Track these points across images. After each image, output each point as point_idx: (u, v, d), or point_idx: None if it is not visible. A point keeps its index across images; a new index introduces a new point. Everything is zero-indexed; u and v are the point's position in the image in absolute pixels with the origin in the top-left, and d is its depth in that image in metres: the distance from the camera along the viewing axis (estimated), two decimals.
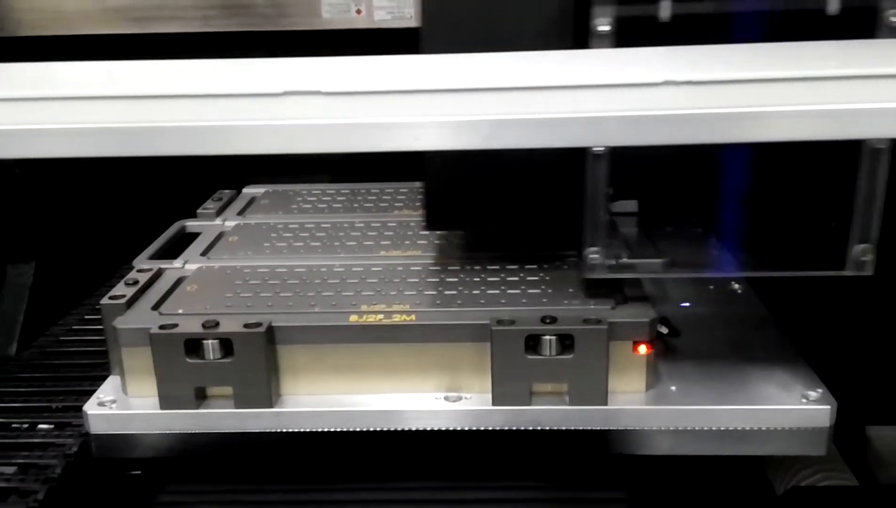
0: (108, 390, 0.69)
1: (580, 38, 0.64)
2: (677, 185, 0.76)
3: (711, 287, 0.86)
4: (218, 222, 0.92)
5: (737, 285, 0.85)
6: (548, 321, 0.64)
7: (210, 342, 0.64)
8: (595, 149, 0.63)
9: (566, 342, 0.64)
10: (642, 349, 0.65)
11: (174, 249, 0.86)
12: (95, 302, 0.95)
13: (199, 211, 0.95)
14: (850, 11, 0.62)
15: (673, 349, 0.72)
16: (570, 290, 0.71)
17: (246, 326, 0.65)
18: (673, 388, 0.67)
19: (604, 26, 0.62)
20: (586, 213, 0.65)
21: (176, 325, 0.65)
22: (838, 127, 0.51)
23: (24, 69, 0.59)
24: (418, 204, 0.94)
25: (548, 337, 0.63)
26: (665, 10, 0.63)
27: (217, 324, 0.65)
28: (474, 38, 0.65)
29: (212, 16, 1.04)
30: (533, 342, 0.64)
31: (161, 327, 0.65)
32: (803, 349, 0.71)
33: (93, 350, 0.87)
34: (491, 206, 0.73)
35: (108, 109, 0.52)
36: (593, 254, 0.66)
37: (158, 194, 1.11)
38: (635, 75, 0.52)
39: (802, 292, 0.89)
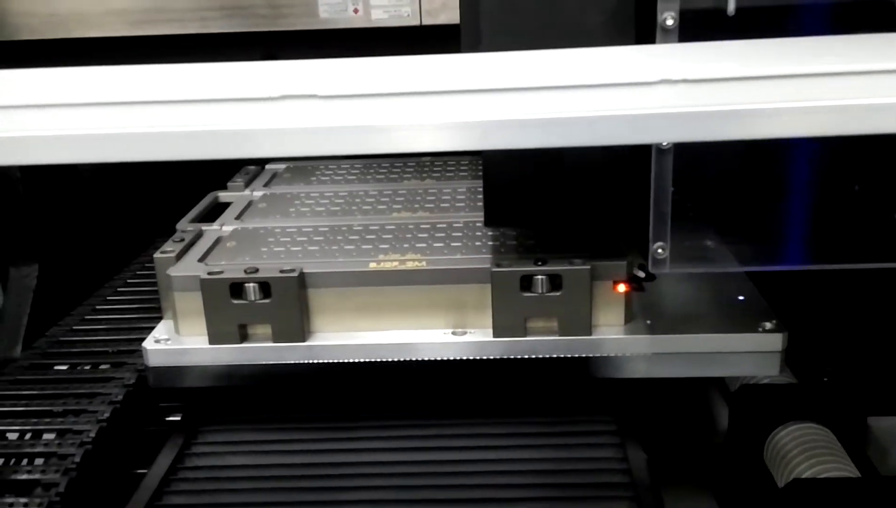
0: (161, 331, 0.80)
1: (641, 32, 0.65)
2: (736, 179, 0.72)
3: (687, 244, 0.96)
4: (247, 192, 1.03)
5: (709, 242, 0.96)
6: (539, 263, 0.75)
7: (251, 285, 0.75)
8: (662, 144, 0.63)
9: (556, 282, 0.75)
10: (621, 287, 0.76)
11: (209, 215, 0.97)
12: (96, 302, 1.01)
13: (228, 184, 1.05)
14: None
15: (649, 290, 0.83)
16: (560, 243, 0.81)
17: (281, 271, 0.76)
18: (648, 322, 0.78)
19: (670, 20, 0.62)
20: (652, 208, 0.66)
21: (221, 272, 0.76)
22: (837, 123, 0.51)
23: (18, 75, 0.58)
24: (425, 175, 1.05)
25: (539, 277, 0.74)
26: (731, 3, 0.63)
27: (257, 270, 0.76)
28: (533, 33, 0.66)
29: (210, 17, 1.07)
30: (527, 282, 0.75)
31: (209, 273, 0.76)
32: (803, 339, 0.75)
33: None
34: (548, 204, 0.75)
35: (104, 115, 0.52)
36: (659, 249, 0.68)
37: (159, 194, 1.14)
38: (631, 75, 0.52)
39: (803, 284, 0.91)
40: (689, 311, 0.79)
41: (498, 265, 0.75)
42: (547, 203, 0.76)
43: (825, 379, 0.87)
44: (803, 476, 0.74)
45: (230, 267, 0.78)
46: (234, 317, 0.76)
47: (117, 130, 0.51)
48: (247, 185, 1.05)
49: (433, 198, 0.96)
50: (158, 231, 0.98)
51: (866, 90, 0.50)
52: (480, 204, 0.90)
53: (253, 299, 0.75)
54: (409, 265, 0.78)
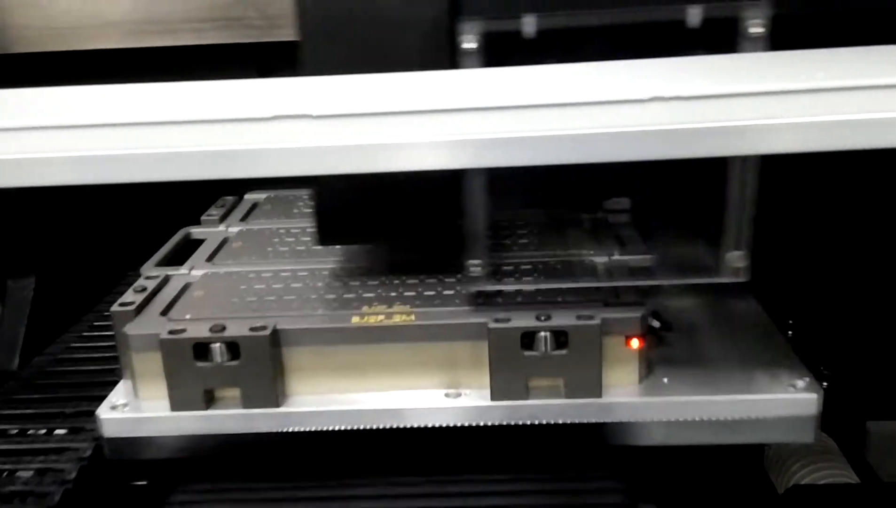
0: (119, 394, 0.71)
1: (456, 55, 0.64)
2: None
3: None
4: (221, 228, 0.94)
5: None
6: (542, 318, 0.66)
7: (217, 345, 0.67)
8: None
9: (561, 339, 0.66)
10: (634, 343, 0.68)
11: (180, 254, 0.88)
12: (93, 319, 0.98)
13: (202, 218, 0.97)
14: (712, 23, 0.63)
15: (665, 342, 0.74)
16: (564, 288, 0.73)
17: (252, 329, 0.67)
18: (665, 380, 0.69)
19: (470, 43, 0.62)
20: (468, 227, 0.67)
21: (184, 330, 0.68)
22: (825, 139, 0.51)
23: (15, 96, 0.59)
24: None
25: (543, 334, 0.66)
26: (529, 26, 0.63)
27: (224, 328, 0.67)
28: (352, 54, 0.66)
29: (203, 28, 1.03)
30: (528, 339, 0.66)
31: (170, 332, 0.67)
32: (804, 344, 0.71)
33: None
34: (382, 222, 0.74)
35: (98, 136, 0.52)
36: (474, 267, 0.69)
37: (157, 206, 1.07)
38: (623, 92, 0.53)
39: (804, 288, 0.92)
40: (709, 367, 0.71)
41: (495, 321, 0.66)
42: (380, 221, 0.74)
43: (824, 384, 0.81)
44: (803, 483, 0.73)
45: (195, 323, 0.69)
46: (198, 381, 0.67)
47: (110, 152, 0.52)
48: (222, 219, 0.97)
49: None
50: (158, 240, 0.92)
51: (856, 105, 0.50)
52: None
53: (219, 361, 0.67)
54: (397, 320, 0.69)
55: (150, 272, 0.81)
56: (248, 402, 0.68)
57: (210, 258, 0.85)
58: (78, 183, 0.53)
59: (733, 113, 0.51)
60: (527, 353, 0.66)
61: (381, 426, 0.68)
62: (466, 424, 0.68)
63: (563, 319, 0.66)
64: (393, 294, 0.74)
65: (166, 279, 0.80)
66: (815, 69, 0.54)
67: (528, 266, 0.77)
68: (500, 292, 0.72)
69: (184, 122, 0.52)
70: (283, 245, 0.88)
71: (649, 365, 0.70)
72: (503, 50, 0.63)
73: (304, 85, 0.60)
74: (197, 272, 0.81)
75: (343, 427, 0.68)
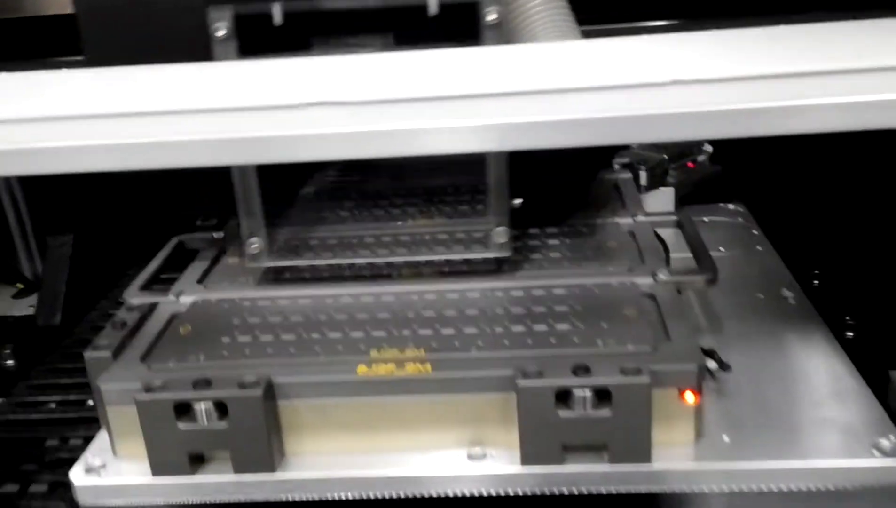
0: (97, 450, 0.63)
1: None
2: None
3: (761, 296, 0.77)
4: (218, 235, 0.84)
5: (790, 294, 0.77)
6: (580, 372, 0.56)
7: (201, 405, 0.57)
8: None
9: (603, 395, 0.56)
10: (690, 397, 0.57)
11: (172, 266, 0.79)
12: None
13: (198, 222, 0.87)
14: (451, 9, 0.63)
15: (723, 384, 0.64)
16: (605, 325, 0.63)
17: (241, 385, 0.58)
18: (726, 438, 0.59)
19: (222, 31, 0.62)
20: (239, 205, 0.69)
21: (164, 385, 0.58)
22: (846, 119, 0.50)
23: (47, 78, 0.59)
24: (433, 210, 0.85)
25: (581, 392, 0.56)
26: (277, 15, 0.63)
27: (209, 383, 0.58)
28: (130, 44, 0.66)
29: None
30: (564, 396, 0.56)
31: (147, 389, 0.58)
32: (829, 293, 0.70)
33: None
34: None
35: (132, 124, 0.53)
36: (253, 244, 0.70)
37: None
38: (643, 75, 0.53)
39: (828, 238, 0.94)
40: (777, 420, 0.60)
41: (525, 375, 0.56)
42: None
43: (848, 333, 0.79)
44: None
45: (177, 375, 0.60)
46: (181, 445, 0.58)
47: (145, 140, 0.53)
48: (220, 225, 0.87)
49: (444, 248, 0.76)
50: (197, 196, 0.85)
51: (882, 86, 0.50)
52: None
53: (205, 423, 0.58)
54: (410, 370, 0.59)
55: (133, 301, 0.72)
56: (239, 466, 0.59)
57: (202, 279, 0.75)
58: (114, 169, 0.53)
59: (751, 95, 0.51)
60: (562, 413, 0.56)
61: (392, 496, 0.59)
62: (493, 493, 0.58)
63: (605, 372, 0.56)
64: (406, 332, 0.64)
65: (151, 308, 0.71)
66: (838, 49, 0.54)
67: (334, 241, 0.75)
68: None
69: (216, 110, 0.54)
70: None
71: (706, 416, 0.60)
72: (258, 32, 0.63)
73: (324, 66, 0.59)
74: (186, 299, 0.72)
75: (350, 496, 0.59)
